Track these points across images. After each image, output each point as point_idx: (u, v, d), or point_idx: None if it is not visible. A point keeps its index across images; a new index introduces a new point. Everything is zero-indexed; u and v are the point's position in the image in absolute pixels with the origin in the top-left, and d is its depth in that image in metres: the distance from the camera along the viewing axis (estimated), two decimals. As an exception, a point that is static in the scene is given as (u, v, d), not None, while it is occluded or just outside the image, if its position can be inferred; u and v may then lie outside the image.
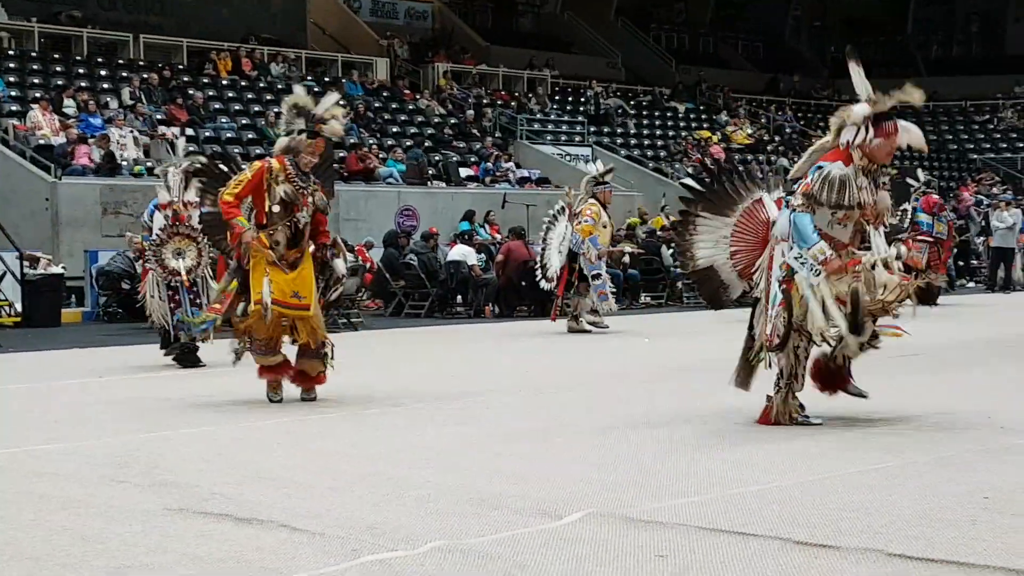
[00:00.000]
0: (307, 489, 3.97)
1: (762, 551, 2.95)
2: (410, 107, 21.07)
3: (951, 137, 27.99)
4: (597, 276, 10.31)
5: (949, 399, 5.99)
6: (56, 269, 13.18)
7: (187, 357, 8.17)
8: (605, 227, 10.42)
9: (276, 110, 14.20)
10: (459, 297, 14.13)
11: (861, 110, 4.84)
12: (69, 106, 16.20)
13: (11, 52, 17.54)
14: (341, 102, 6.34)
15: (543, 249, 11.07)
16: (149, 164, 15.25)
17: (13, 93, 16.37)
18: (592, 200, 10.39)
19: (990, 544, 2.96)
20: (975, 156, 26.74)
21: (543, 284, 11.06)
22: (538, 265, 11.21)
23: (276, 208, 5.73)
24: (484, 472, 4.27)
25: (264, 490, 3.93)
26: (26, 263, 12.65)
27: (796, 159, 26.80)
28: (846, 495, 3.68)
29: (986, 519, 3.28)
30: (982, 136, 27.98)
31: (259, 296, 5.65)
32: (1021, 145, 26.91)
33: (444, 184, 18.04)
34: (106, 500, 3.84)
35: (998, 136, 27.56)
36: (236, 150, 16.04)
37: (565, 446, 4.88)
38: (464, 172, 18.64)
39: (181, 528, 3.37)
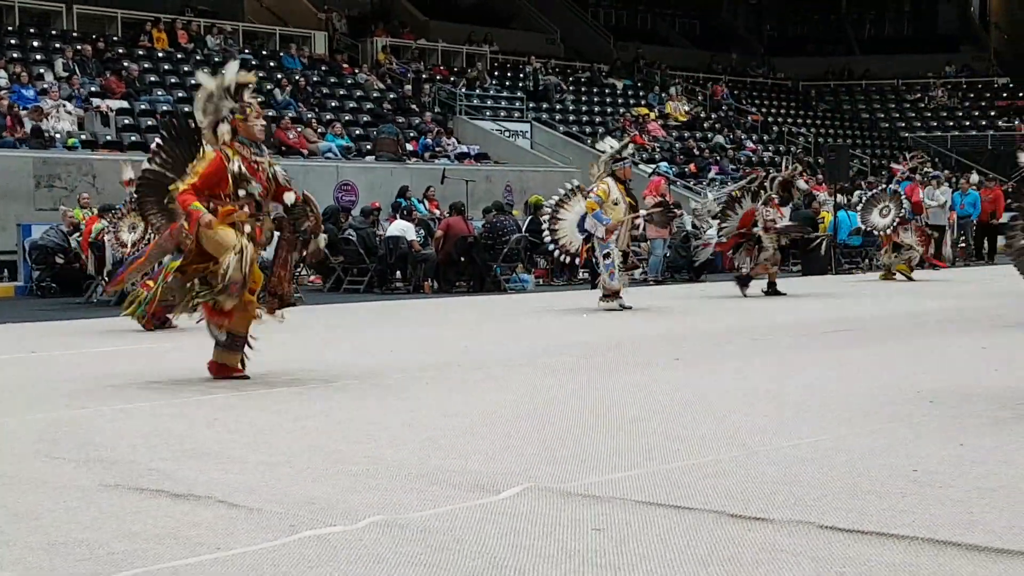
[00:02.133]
0: (244, 464, 4.01)
1: (697, 524, 3.07)
2: (349, 81, 21.24)
3: (883, 115, 29.09)
4: (607, 255, 10.20)
5: (878, 372, 6.30)
6: None
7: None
8: (616, 204, 10.17)
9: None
10: (398, 273, 14.30)
11: None
12: (1, 77, 16.25)
13: None
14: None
15: (553, 227, 10.85)
16: (83, 137, 15.46)
17: None
18: (608, 178, 10.21)
19: (918, 517, 3.11)
20: (906, 135, 27.40)
21: (556, 252, 11.10)
22: (549, 239, 11.03)
23: (240, 191, 5.64)
24: (422, 447, 4.34)
25: (201, 466, 3.98)
26: None
27: (732, 136, 28.81)
28: (779, 469, 3.84)
29: (915, 492, 3.44)
30: (913, 114, 28.79)
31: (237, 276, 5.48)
32: (951, 124, 27.71)
33: (382, 157, 18.21)
34: (39, 476, 3.87)
35: (928, 115, 28.34)
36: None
37: (503, 422, 4.98)
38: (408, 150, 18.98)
39: (117, 504, 3.41)
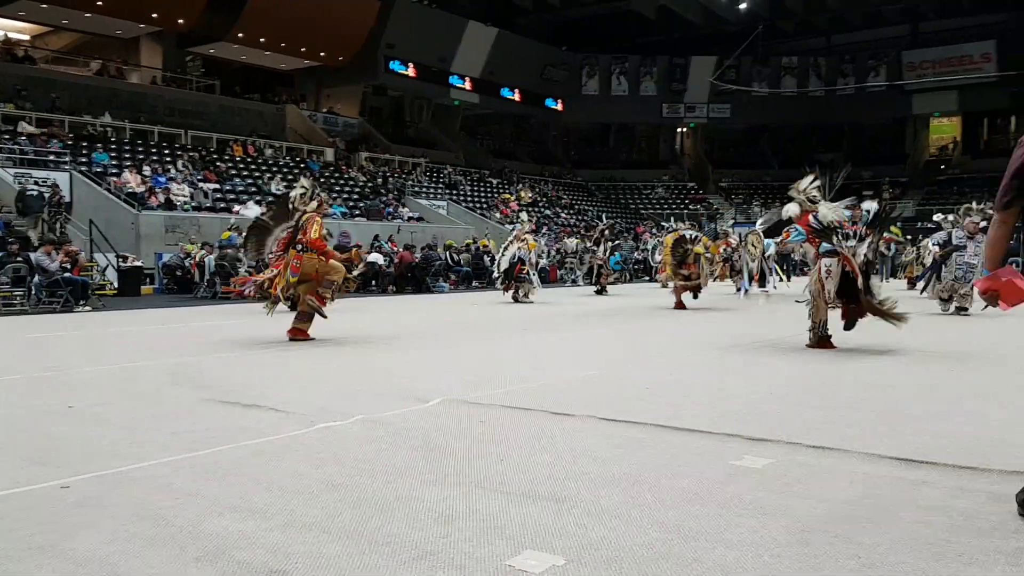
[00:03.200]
0: (286, 388, 6.04)
1: (533, 417, 4.92)
2: (345, 177, 31.94)
3: (632, 202, 46.10)
4: (530, 272, 16.80)
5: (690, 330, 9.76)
6: (138, 263, 19.72)
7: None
8: (529, 245, 17.05)
9: (278, 179, 27.89)
10: (373, 281, 21.72)
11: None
12: (147, 170, 24.56)
13: (112, 140, 26.66)
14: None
15: (501, 257, 17.11)
16: (193, 204, 24.01)
17: (114, 163, 24.64)
18: (527, 232, 17.29)
19: (648, 414, 4.95)
20: (643, 211, 44.35)
21: (502, 267, 17.01)
22: (496, 266, 17.50)
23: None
24: (386, 377, 6.53)
25: (262, 388, 5.97)
26: (120, 259, 19.22)
27: (558, 211, 38.63)
28: (590, 387, 5.89)
29: (642, 398, 5.40)
30: (647, 202, 46.12)
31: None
32: (667, 207, 43.43)
33: (366, 219, 28.09)
34: (166, 394, 5.84)
35: (655, 202, 45.97)
36: (244, 198, 25.65)
37: (430, 360, 7.47)
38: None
39: (212, 411, 5.27)
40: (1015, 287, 3.27)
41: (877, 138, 49.30)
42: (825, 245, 8.41)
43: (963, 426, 4.77)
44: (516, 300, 16.66)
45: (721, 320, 12.32)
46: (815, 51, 46.63)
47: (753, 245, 13.46)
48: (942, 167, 45.64)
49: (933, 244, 13.58)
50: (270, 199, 10.71)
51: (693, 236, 14.83)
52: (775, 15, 41.61)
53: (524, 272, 16.77)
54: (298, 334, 9.17)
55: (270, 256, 9.34)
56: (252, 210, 10.34)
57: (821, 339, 8.60)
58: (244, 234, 9.67)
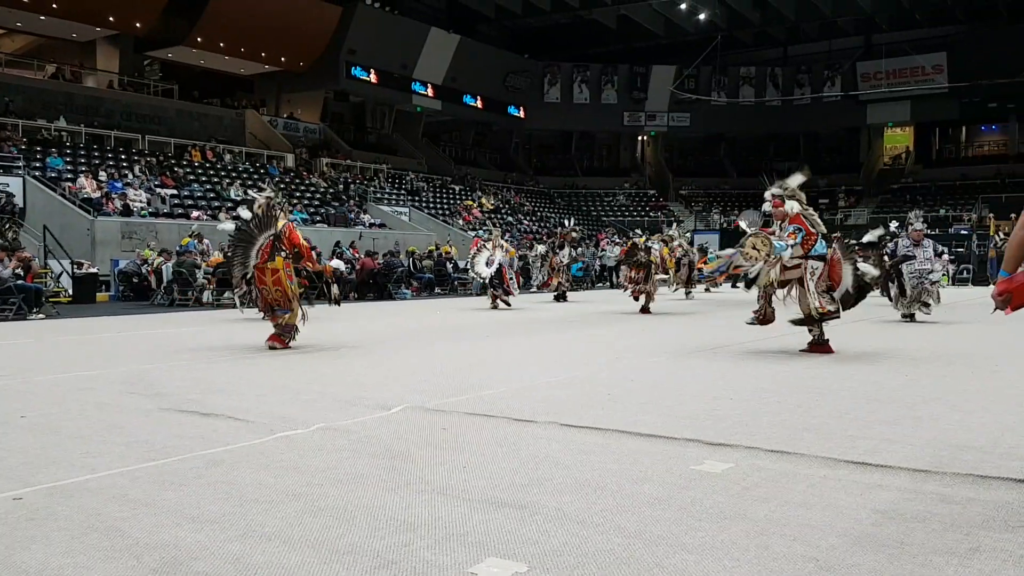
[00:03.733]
0: (244, 396, 5.99)
1: (496, 423, 4.93)
2: (306, 183, 31.74)
3: (593, 209, 46.15)
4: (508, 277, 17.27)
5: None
6: (93, 270, 19.39)
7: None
8: (509, 252, 18.00)
9: (235, 181, 28.07)
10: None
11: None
12: (103, 176, 24.30)
13: (67, 144, 26.35)
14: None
15: (480, 266, 17.20)
16: (150, 210, 23.76)
17: (69, 168, 24.34)
18: (503, 241, 17.81)
19: (607, 419, 5.01)
20: (604, 219, 44.51)
21: (484, 275, 17.14)
22: (472, 271, 17.94)
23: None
24: (348, 385, 6.48)
25: (219, 397, 5.93)
26: (75, 266, 18.90)
27: (520, 218, 39.91)
28: (550, 392, 5.94)
29: (608, 404, 5.47)
30: (608, 208, 46.25)
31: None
32: (625, 213, 45.07)
33: (327, 224, 28.19)
34: (122, 403, 5.74)
35: (615, 209, 46.22)
36: (202, 204, 25.50)
37: (392, 367, 7.44)
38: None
39: (168, 419, 5.20)
40: None
41: (832, 147, 50.26)
42: (818, 248, 8.50)
43: (916, 429, 4.86)
44: (496, 307, 16.88)
45: (681, 325, 12.44)
46: (772, 62, 47.43)
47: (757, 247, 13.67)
48: (901, 180, 46.59)
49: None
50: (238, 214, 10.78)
51: (646, 245, 15.27)
52: (733, 26, 42.23)
53: (509, 279, 17.27)
54: (278, 341, 9.13)
55: (252, 266, 9.19)
56: (228, 225, 10.27)
57: (820, 342, 8.69)
58: (231, 245, 9.54)
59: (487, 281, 17.17)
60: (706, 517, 3.28)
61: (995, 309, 3.55)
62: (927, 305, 12.92)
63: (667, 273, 16.26)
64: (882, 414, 5.33)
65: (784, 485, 3.72)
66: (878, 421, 5.10)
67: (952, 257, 12.57)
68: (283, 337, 9.15)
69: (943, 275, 12.84)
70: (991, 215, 35.53)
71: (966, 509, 3.37)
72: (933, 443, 4.52)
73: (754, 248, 8.23)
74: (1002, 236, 16.51)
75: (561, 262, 20.03)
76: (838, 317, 8.66)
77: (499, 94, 44.15)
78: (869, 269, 8.91)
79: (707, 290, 22.62)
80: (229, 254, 9.55)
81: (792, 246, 8.35)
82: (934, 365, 7.80)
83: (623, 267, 15.96)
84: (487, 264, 17.09)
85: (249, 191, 26.84)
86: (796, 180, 8.74)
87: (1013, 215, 21.66)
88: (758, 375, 7.10)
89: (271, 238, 9.07)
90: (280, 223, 9.09)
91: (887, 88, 43.43)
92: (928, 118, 45.02)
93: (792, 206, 8.54)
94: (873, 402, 5.77)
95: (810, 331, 8.73)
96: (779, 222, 8.67)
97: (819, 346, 8.66)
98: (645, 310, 15.04)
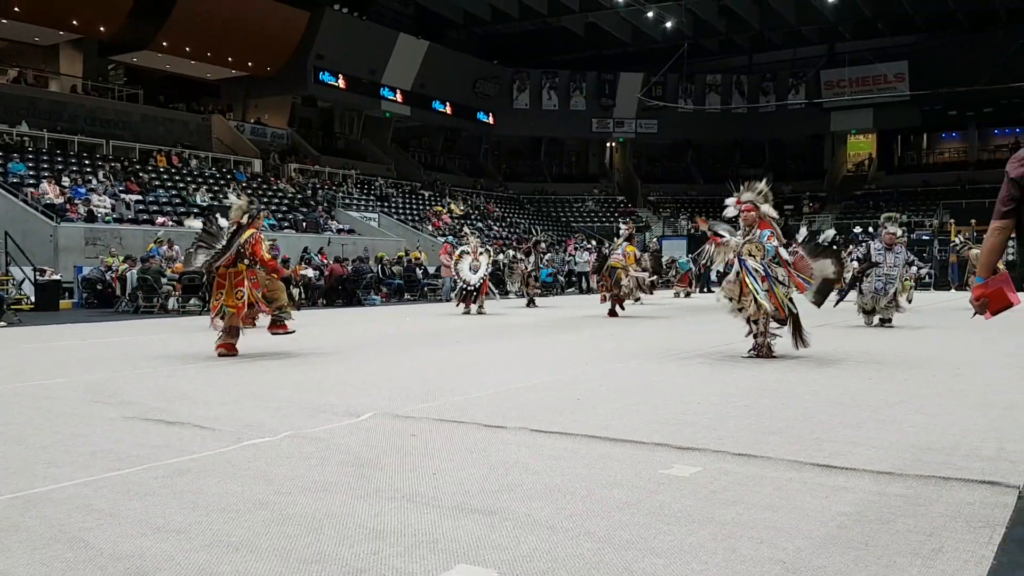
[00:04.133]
0: (211, 404, 5.91)
1: (466, 430, 4.91)
2: (274, 188, 31.83)
3: (562, 215, 46.89)
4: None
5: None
6: (56, 277, 19.14)
7: None
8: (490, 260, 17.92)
9: (200, 187, 27.73)
10: (303, 295, 20.93)
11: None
12: (66, 182, 24.06)
13: (30, 149, 26.08)
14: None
15: (470, 274, 17.14)
16: (114, 216, 23.49)
17: (32, 173, 24.12)
18: (482, 249, 17.65)
19: (580, 424, 5.04)
20: (574, 224, 45.49)
21: (473, 282, 17.08)
22: (459, 278, 17.45)
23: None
24: (316, 392, 6.44)
25: (184, 405, 5.85)
26: (38, 273, 18.70)
27: (485, 223, 40.52)
28: (521, 397, 5.96)
29: (579, 409, 5.51)
30: (577, 215, 47.00)
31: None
32: (596, 220, 45.75)
33: (294, 231, 28.10)
34: (86, 412, 5.65)
35: (585, 215, 46.98)
36: (168, 209, 25.32)
37: (361, 374, 7.39)
38: (305, 225, 29.00)
39: (133, 428, 5.12)
40: (1002, 294, 3.36)
41: (797, 154, 50.91)
42: (783, 253, 8.67)
43: (880, 432, 4.93)
44: (469, 312, 16.95)
45: (650, 330, 12.50)
46: (738, 69, 47.96)
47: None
48: (865, 186, 47.27)
49: (852, 260, 13.87)
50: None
51: (611, 252, 15.83)
52: (699, 34, 42.64)
53: (488, 287, 17.59)
54: (229, 349, 9.10)
55: (216, 269, 9.27)
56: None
57: (763, 348, 8.81)
58: (196, 244, 9.54)
59: (470, 287, 17.22)
60: (675, 521, 3.30)
61: (974, 314, 3.61)
62: (888, 321, 13.05)
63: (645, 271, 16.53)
64: (847, 417, 5.40)
65: (751, 488, 3.76)
66: (843, 424, 5.17)
67: (921, 266, 12.71)
68: (231, 341, 9.20)
69: (907, 282, 12.92)
70: (952, 221, 36.23)
71: (929, 510, 3.43)
72: (897, 445, 4.58)
73: (750, 255, 8.52)
74: (961, 240, 16.90)
75: (525, 269, 20.64)
76: (786, 325, 8.76)
77: (468, 100, 44.21)
78: (827, 266, 9.01)
79: (677, 295, 22.81)
80: (192, 249, 9.53)
81: (777, 248, 8.57)
82: (897, 369, 7.92)
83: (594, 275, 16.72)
84: (471, 270, 17.10)
85: (218, 196, 26.72)
86: (764, 186, 8.92)
87: (974, 221, 22.03)
88: (725, 379, 7.16)
89: (237, 246, 9.12)
90: (247, 233, 9.13)
91: (850, 96, 44.10)
92: (890, 125, 45.79)
93: (767, 210, 8.70)
94: (837, 405, 5.84)
95: (755, 336, 8.83)
96: (748, 226, 8.77)
97: (763, 350, 8.78)
98: (612, 313, 15.50)
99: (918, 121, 44.50)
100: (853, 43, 43.33)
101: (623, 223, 19.13)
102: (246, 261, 9.15)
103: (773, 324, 8.78)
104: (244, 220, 9.23)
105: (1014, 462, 4.19)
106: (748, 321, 8.80)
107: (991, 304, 3.40)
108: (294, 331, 9.52)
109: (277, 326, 9.44)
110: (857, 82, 44.20)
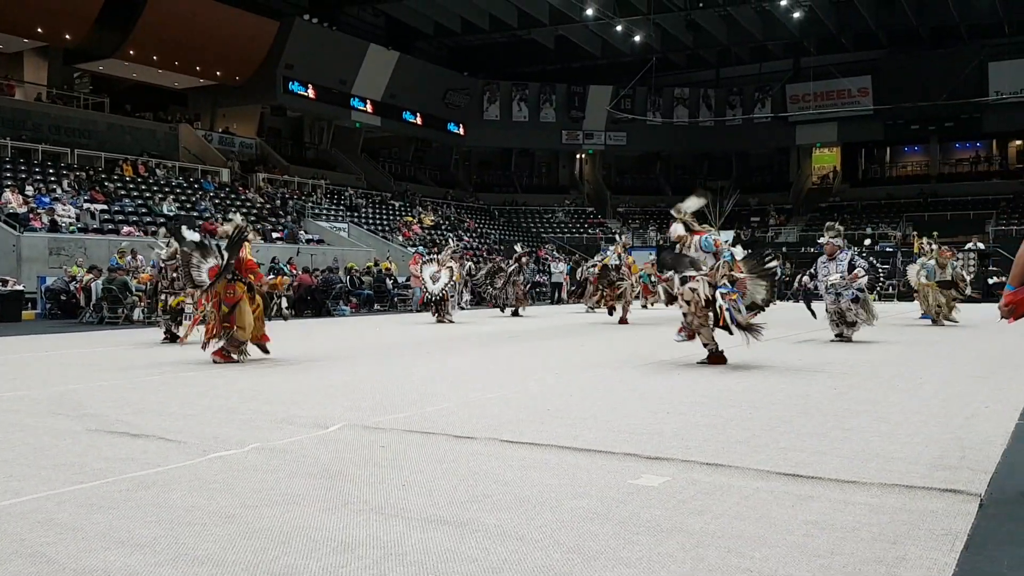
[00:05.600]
0: (175, 416, 5.84)
1: (436, 441, 4.90)
2: (242, 198, 31.39)
3: (534, 226, 46.29)
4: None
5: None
6: (19, 287, 18.96)
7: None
8: (455, 276, 18.20)
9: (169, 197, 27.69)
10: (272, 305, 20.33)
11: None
12: (29, 191, 23.84)
13: None
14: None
15: (430, 283, 17.69)
16: (79, 226, 23.18)
17: None
18: (451, 261, 18.15)
19: (545, 435, 5.03)
20: (544, 235, 44.69)
21: (435, 291, 17.66)
22: (428, 291, 17.94)
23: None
24: (284, 403, 6.37)
25: (149, 417, 5.77)
26: (0, 283, 18.22)
27: (458, 234, 41.26)
28: (492, 409, 5.93)
29: (548, 419, 5.49)
30: (547, 225, 46.73)
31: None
32: (566, 231, 45.84)
33: (263, 240, 25.40)
34: (49, 424, 5.56)
35: (555, 225, 46.73)
36: (133, 219, 25.09)
37: (330, 385, 7.33)
38: (275, 235, 28.46)
39: (96, 441, 5.05)
40: None
41: (763, 167, 51.52)
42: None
43: (845, 441, 4.99)
44: (442, 321, 17.41)
45: (621, 339, 12.56)
46: (705, 83, 48.47)
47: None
48: (830, 198, 47.92)
49: (805, 276, 13.82)
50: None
51: (616, 264, 17.03)
52: (667, 48, 43.05)
53: (451, 299, 18.10)
54: (224, 358, 9.33)
55: (199, 281, 9.43)
56: (195, 235, 10.51)
57: (715, 355, 9.08)
58: (194, 259, 9.55)
59: (433, 297, 17.61)
60: (643, 531, 3.31)
61: (1001, 318, 3.73)
62: (852, 324, 12.91)
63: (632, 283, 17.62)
64: (812, 426, 5.46)
65: (718, 498, 3.78)
66: (808, 433, 5.23)
67: (866, 268, 12.59)
68: (230, 355, 9.38)
69: (861, 290, 12.81)
70: (915, 232, 36.79)
71: (894, 519, 3.47)
72: (862, 454, 4.64)
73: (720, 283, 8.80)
74: (926, 246, 17.32)
75: (516, 280, 21.00)
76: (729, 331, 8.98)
77: (439, 111, 44.23)
78: (759, 290, 9.19)
79: (645, 306, 22.93)
80: (195, 263, 9.54)
81: (726, 249, 8.93)
82: (862, 378, 8.02)
83: (590, 284, 17.83)
84: (432, 280, 17.66)
85: (185, 206, 26.44)
86: (693, 204, 9.20)
87: (935, 233, 22.51)
88: (693, 388, 7.21)
89: (218, 263, 9.30)
90: (243, 252, 9.40)
91: (815, 110, 44.74)
92: (854, 139, 46.48)
93: (690, 221, 9.01)
94: (803, 415, 5.91)
95: (705, 345, 9.12)
96: (688, 246, 9.10)
97: (716, 357, 9.12)
98: (623, 320, 16.84)
99: (881, 135, 45.22)
100: (818, 58, 43.97)
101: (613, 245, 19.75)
102: (228, 276, 9.29)
103: (718, 331, 9.01)
104: (235, 236, 9.40)
105: (975, 471, 4.26)
106: (684, 316, 9.17)
107: (1018, 310, 3.51)
108: (239, 361, 9.45)
109: (222, 355, 9.39)
110: (822, 96, 44.86)
